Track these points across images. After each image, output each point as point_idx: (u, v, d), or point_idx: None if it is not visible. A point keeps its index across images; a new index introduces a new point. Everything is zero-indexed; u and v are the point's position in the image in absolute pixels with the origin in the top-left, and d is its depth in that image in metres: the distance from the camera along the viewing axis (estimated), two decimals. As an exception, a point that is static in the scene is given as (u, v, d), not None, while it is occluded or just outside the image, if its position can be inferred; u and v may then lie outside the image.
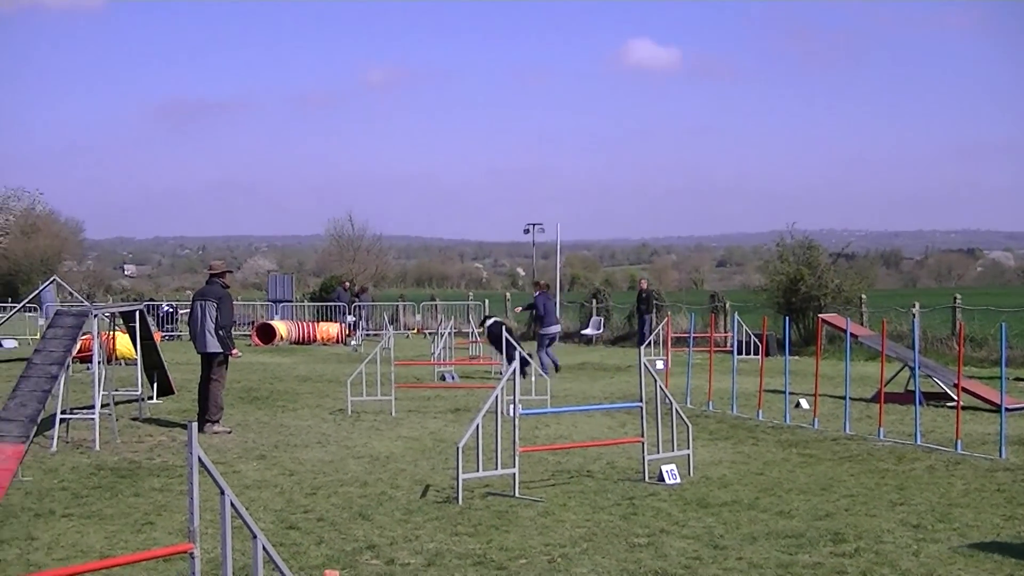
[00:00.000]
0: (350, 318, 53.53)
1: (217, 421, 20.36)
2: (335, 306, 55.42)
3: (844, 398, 20.63)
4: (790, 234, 45.15)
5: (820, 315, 28.27)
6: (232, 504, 7.34)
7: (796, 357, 34.68)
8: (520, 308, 38.37)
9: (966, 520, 12.80)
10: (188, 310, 21.82)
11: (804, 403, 23.07)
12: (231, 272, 22.41)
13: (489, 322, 33.43)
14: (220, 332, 20.50)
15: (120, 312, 22.84)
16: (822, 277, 42.97)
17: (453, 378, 30.23)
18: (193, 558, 7.27)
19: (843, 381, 21.29)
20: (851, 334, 22.74)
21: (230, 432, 20.12)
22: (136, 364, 22.81)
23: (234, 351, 21.03)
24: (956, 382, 20.13)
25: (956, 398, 19.42)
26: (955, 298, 40.06)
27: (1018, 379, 29.77)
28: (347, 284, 59.44)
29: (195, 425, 7.10)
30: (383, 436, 19.67)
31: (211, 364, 20.58)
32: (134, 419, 21.45)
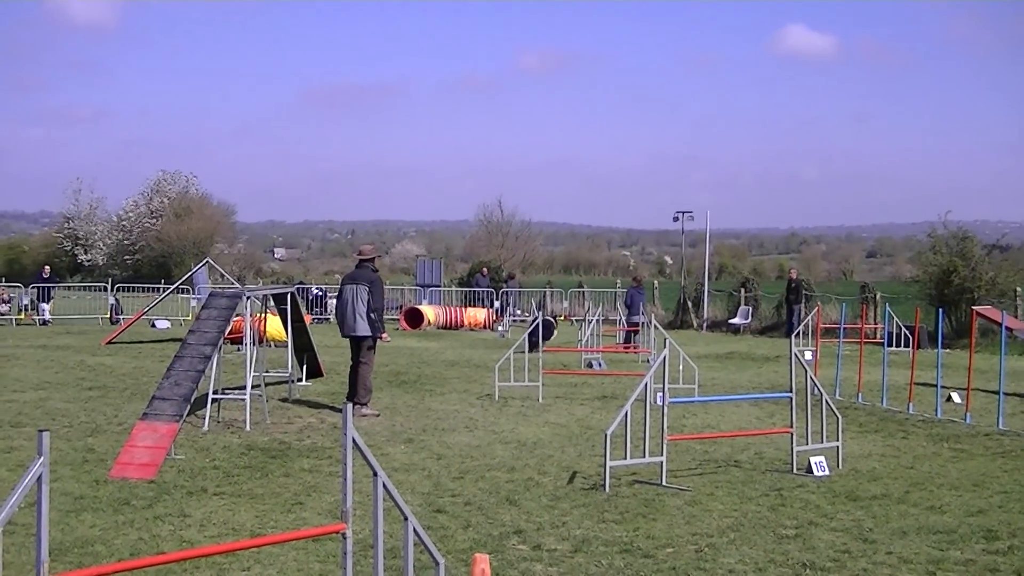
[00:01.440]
0: (496, 304, 53.68)
1: (366, 404, 20.63)
2: (483, 291, 55.61)
3: (998, 393, 20.30)
4: (943, 224, 44.51)
5: (974, 307, 27.84)
6: (384, 486, 7.40)
7: (948, 350, 34.18)
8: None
9: (1123, 519, 12.56)
10: (337, 294, 21.81)
11: (956, 397, 22.74)
12: (380, 257, 22.67)
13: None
14: (372, 315, 20.67)
15: (272, 294, 23.09)
16: (976, 269, 42.30)
17: (600, 365, 30.20)
18: (345, 538, 7.34)
19: (997, 375, 20.95)
20: (1006, 327, 22.39)
21: (378, 415, 20.36)
22: (287, 346, 23.06)
23: (384, 335, 21.39)
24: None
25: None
26: (1113, 291, 39.32)
27: None
28: (485, 270, 59.60)
29: (350, 407, 7.16)
30: (530, 422, 19.72)
31: (361, 348, 20.76)
32: (284, 400, 21.72)
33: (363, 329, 20.67)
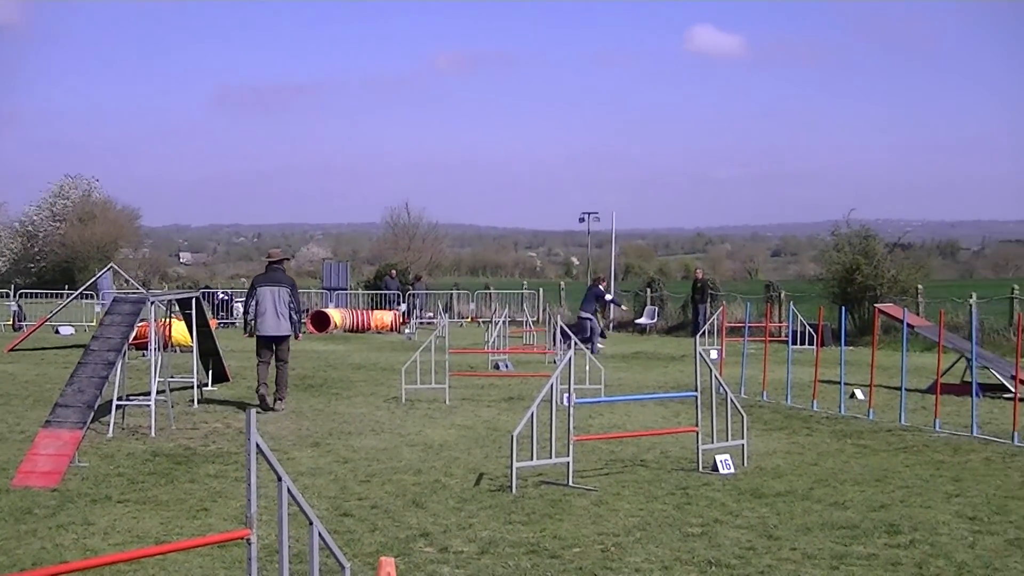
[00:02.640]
0: (403, 306, 53.62)
1: (283, 399, 21.59)
2: (390, 294, 55.53)
3: (900, 389, 20.55)
4: (847, 223, 44.95)
5: (876, 305, 28.12)
6: (289, 490, 7.37)
7: (851, 347, 34.52)
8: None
9: (1023, 512, 12.74)
10: (248, 296, 22.35)
11: (859, 393, 22.99)
12: (289, 260, 23.11)
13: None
14: (293, 316, 21.68)
15: (176, 299, 22.95)
16: (879, 267, 42.76)
17: (507, 366, 30.24)
18: (250, 544, 7.30)
19: (899, 372, 21.18)
20: (908, 324, 22.65)
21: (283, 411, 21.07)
22: (192, 351, 22.93)
23: (300, 335, 22.45)
24: (1014, 374, 20.06)
25: (1014, 390, 19.33)
26: (1013, 289, 39.87)
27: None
28: (393, 272, 59.56)
29: (253, 412, 7.10)
30: (437, 424, 19.71)
31: (281, 347, 21.67)
32: (189, 405, 21.56)
33: (285, 329, 21.57)
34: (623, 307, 44.65)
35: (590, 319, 36.65)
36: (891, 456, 16.52)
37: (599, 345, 35.59)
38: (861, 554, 10.84)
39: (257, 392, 21.52)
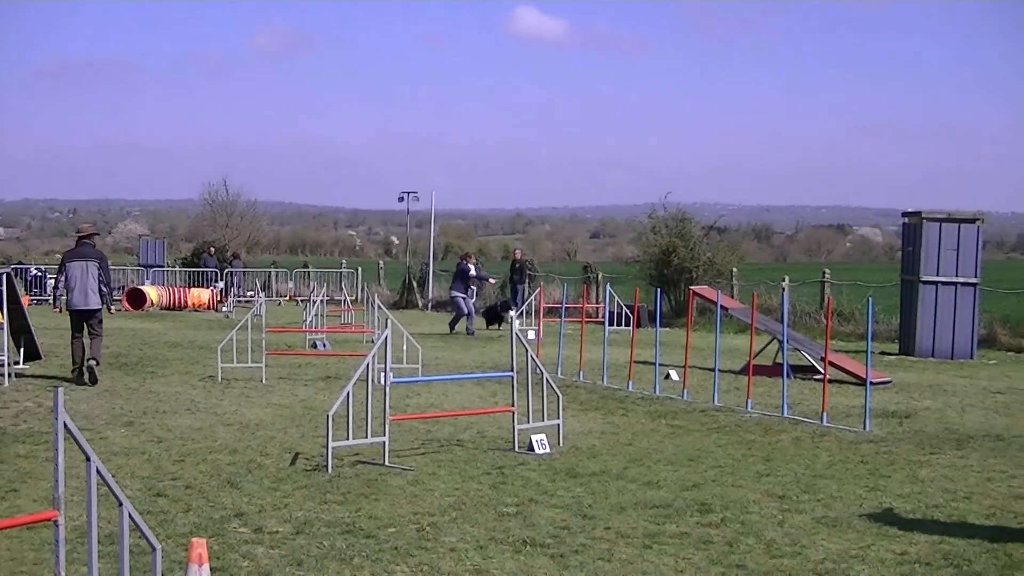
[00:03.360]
0: (220, 284, 53.15)
1: (98, 362, 22.01)
2: (207, 272, 55.01)
3: (713, 370, 20.85)
4: (663, 206, 45.49)
5: (691, 287, 28.53)
6: (98, 471, 7.25)
7: (667, 329, 34.98)
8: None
9: (830, 491, 13.00)
10: (59, 271, 22.86)
11: (674, 375, 23.29)
12: (100, 235, 23.25)
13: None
14: (103, 289, 22.17)
15: (-13, 275, 22.49)
16: (694, 250, 43.40)
17: (325, 346, 30.14)
18: (57, 526, 7.17)
19: (713, 353, 21.50)
20: (721, 307, 22.99)
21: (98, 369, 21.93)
22: (2, 328, 22.48)
23: (112, 308, 23.37)
24: (823, 355, 20.47)
25: (823, 371, 19.71)
26: (824, 273, 40.76)
27: (883, 353, 30.29)
28: (212, 250, 59.04)
29: (60, 390, 6.98)
30: (253, 403, 19.57)
31: (92, 321, 22.13)
32: (-1, 384, 21.16)
33: (95, 303, 22.05)
34: (491, 280, 44.57)
35: (462, 297, 36.90)
36: (704, 436, 16.77)
37: (508, 318, 35.34)
38: (674, 533, 10.98)
39: (72, 372, 21.90)
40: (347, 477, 13.51)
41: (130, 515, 7.53)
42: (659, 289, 27.69)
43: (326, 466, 13.83)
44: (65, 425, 6.93)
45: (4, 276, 21.97)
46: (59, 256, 24.71)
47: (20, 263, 60.60)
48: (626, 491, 12.90)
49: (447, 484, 13.21)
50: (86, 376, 21.66)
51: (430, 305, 50.66)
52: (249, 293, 53.60)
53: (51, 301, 47.13)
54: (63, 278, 22.34)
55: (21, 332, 23.74)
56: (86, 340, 22.19)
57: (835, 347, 25.25)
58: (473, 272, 38.85)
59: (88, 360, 21.84)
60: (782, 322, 21.41)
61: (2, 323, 22.32)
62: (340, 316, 39.31)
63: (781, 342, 21.95)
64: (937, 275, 30.14)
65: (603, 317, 30.79)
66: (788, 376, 19.89)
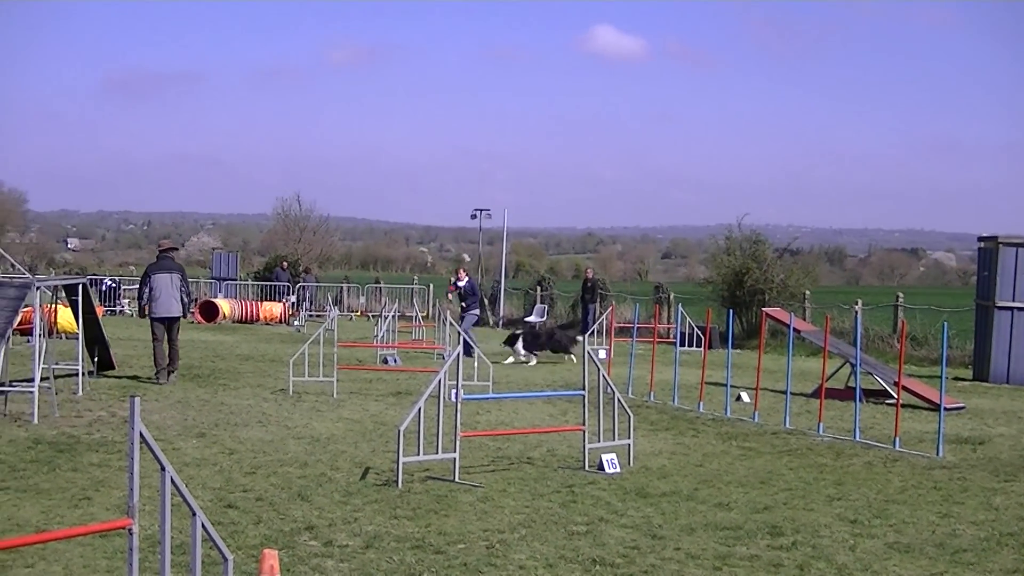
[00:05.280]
0: (292, 298, 53.37)
1: (176, 370, 24.23)
2: (279, 286, 55.25)
3: (785, 393, 20.72)
4: (739, 227, 45.34)
5: (764, 309, 28.39)
6: (172, 481, 7.29)
7: (738, 351, 34.82)
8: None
9: (902, 516, 12.91)
10: (141, 282, 25.06)
11: (745, 396, 23.17)
12: (177, 249, 24.73)
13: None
14: (184, 299, 24.47)
15: (63, 285, 22.71)
16: (768, 272, 43.18)
17: (395, 361, 30.20)
18: (131, 534, 7.22)
19: (784, 376, 21.35)
20: (794, 329, 22.86)
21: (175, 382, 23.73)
22: (77, 338, 22.70)
23: (187, 315, 26.51)
24: (896, 380, 20.30)
25: (896, 396, 19.58)
26: (897, 296, 40.50)
27: (957, 379, 30.04)
28: (285, 264, 59.26)
29: (137, 400, 7.03)
30: (324, 417, 19.63)
31: (174, 327, 24.31)
32: (74, 393, 21.31)
33: (177, 311, 24.24)
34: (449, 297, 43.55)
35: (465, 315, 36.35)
36: (775, 459, 16.67)
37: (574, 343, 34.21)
38: (744, 555, 10.93)
39: (155, 375, 23.98)
40: (417, 492, 13.53)
41: (203, 525, 7.56)
42: (731, 310, 27.58)
43: (396, 481, 13.86)
44: (141, 435, 6.97)
45: (80, 286, 22.18)
46: (133, 268, 25.38)
47: (94, 275, 61.02)
48: (696, 512, 12.85)
49: (517, 501, 13.20)
50: (163, 377, 23.69)
51: (501, 322, 50.66)
52: (328, 308, 53.78)
53: (130, 313, 47.65)
54: (148, 288, 24.26)
55: (96, 342, 24.00)
56: (166, 345, 23.98)
57: (908, 372, 25.04)
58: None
59: (168, 371, 23.83)
60: (855, 345, 21.24)
61: (78, 333, 22.54)
62: (411, 332, 39.40)
63: (854, 366, 21.78)
64: (1013, 300, 29.84)
65: (675, 337, 30.72)
66: (860, 400, 19.75)
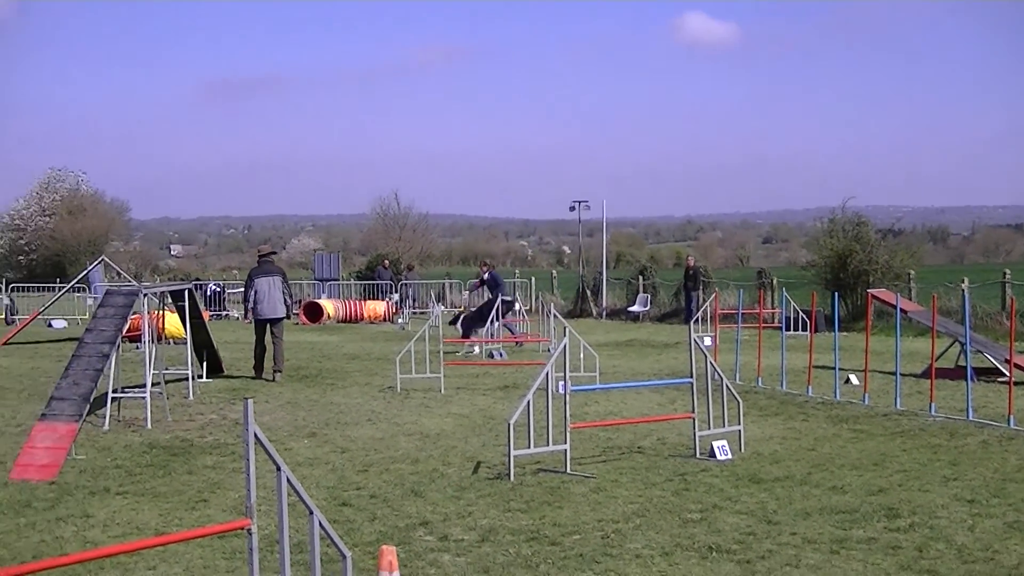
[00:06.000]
0: (395, 296, 53.55)
1: (281, 370, 24.97)
2: (381, 284, 55.48)
3: (894, 374, 20.52)
4: (842, 210, 44.97)
5: (870, 291, 28.12)
6: (288, 480, 7.36)
7: (844, 333, 34.53)
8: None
9: (1021, 495, 12.75)
10: (247, 286, 25.86)
11: (854, 379, 22.98)
12: (276, 253, 25.70)
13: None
14: (287, 300, 25.51)
15: (169, 291, 22.98)
16: (872, 253, 42.78)
17: (501, 355, 30.22)
18: (250, 534, 7.29)
19: (893, 357, 21.16)
20: (901, 310, 22.65)
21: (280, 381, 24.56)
22: (185, 343, 22.98)
23: (290, 316, 28.33)
24: (1008, 357, 20.06)
25: (1008, 373, 19.34)
26: (1005, 273, 39.98)
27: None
28: (387, 262, 59.45)
29: (251, 402, 7.10)
30: (433, 413, 19.71)
31: (277, 327, 25.12)
32: (185, 397, 21.55)
33: (280, 312, 25.15)
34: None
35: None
36: (888, 441, 16.53)
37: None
38: (861, 538, 10.86)
39: (254, 370, 25.30)
40: (529, 485, 13.55)
41: (320, 523, 7.62)
42: (836, 292, 27.36)
43: (508, 474, 13.89)
44: (256, 436, 7.04)
45: (187, 292, 22.44)
46: (236, 272, 26.01)
47: (198, 280, 61.60)
48: (810, 496, 12.78)
49: (629, 491, 13.19)
50: (269, 375, 24.74)
51: (604, 313, 50.58)
52: (438, 306, 53.92)
53: (236, 317, 48.14)
54: (252, 292, 25.11)
55: (204, 346, 24.28)
56: (270, 347, 24.94)
57: (1019, 348, 24.70)
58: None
59: (274, 371, 24.71)
60: (964, 324, 21.00)
61: (185, 338, 22.79)
62: (515, 326, 39.47)
63: (963, 344, 21.55)
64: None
65: (780, 322, 30.54)
66: (972, 379, 19.52)
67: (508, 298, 35.95)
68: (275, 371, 24.78)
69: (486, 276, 35.13)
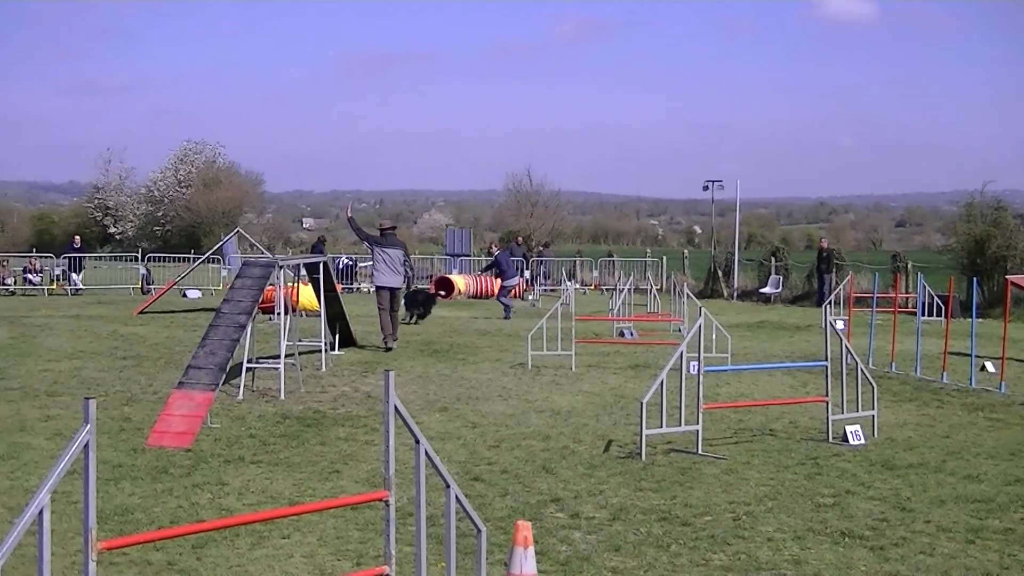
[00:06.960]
0: (527, 273, 53.59)
1: (397, 338, 26.25)
2: (515, 261, 55.57)
3: (1033, 362, 20.24)
4: (981, 193, 44.26)
5: (1008, 277, 27.72)
6: (427, 453, 7.42)
7: (981, 320, 34.07)
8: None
9: None
10: (370, 261, 28.18)
11: (990, 366, 22.67)
12: (396, 228, 27.84)
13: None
14: (408, 272, 28.32)
15: (304, 264, 23.20)
16: (1011, 238, 42.10)
17: (632, 334, 30.18)
18: (388, 506, 7.37)
19: (1031, 344, 20.87)
20: (1041, 297, 22.31)
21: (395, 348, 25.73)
22: (319, 316, 23.19)
23: (411, 286, 29.96)
24: None
25: None
26: None
27: None
28: (520, 239, 59.46)
29: (392, 375, 7.15)
30: (564, 391, 19.74)
31: (395, 296, 26.34)
32: (317, 369, 21.76)
33: (399, 282, 26.44)
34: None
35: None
36: (1025, 430, 16.31)
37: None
38: (997, 528, 10.72)
39: (383, 341, 26.05)
40: (660, 465, 13.54)
41: (457, 497, 7.67)
42: (974, 278, 27.00)
43: (640, 453, 13.89)
44: (396, 409, 7.09)
45: (321, 265, 22.63)
46: (367, 247, 26.24)
47: (331, 254, 61.92)
48: (945, 484, 12.64)
49: (761, 473, 13.14)
50: (389, 342, 25.84)
51: (736, 294, 50.32)
52: (559, 284, 53.94)
53: (366, 290, 48.57)
54: (373, 261, 26.64)
55: (336, 319, 24.48)
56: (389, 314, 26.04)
57: None
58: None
59: (391, 338, 25.95)
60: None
61: (319, 310, 23.01)
62: (646, 305, 39.36)
63: (1104, 333, 21.20)
64: None
65: (915, 307, 30.20)
66: (1112, 369, 19.20)
67: (510, 283, 39.45)
68: (392, 338, 25.94)
69: (497, 255, 39.19)
